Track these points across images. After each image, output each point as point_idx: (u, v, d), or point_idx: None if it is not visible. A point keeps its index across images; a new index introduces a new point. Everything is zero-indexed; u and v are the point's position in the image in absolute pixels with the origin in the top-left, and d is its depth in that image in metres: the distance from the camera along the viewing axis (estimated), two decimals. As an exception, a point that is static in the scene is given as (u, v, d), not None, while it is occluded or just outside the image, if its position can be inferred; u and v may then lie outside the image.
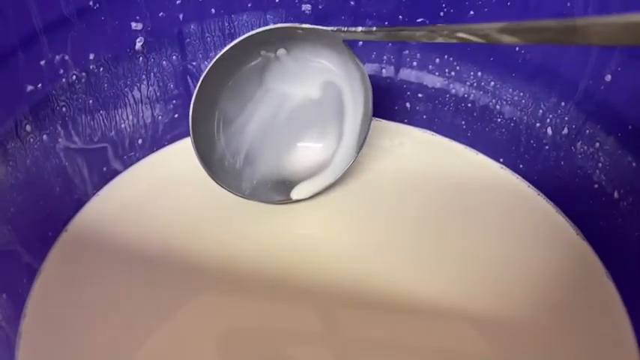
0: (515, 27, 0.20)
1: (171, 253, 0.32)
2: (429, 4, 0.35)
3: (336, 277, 0.31)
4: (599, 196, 0.33)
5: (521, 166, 0.37)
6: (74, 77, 0.31)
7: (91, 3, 0.30)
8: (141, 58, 0.34)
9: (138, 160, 0.37)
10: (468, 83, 0.37)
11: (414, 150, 0.39)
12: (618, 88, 0.31)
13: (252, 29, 0.37)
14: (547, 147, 0.35)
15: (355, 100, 0.34)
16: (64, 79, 0.31)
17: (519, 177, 0.37)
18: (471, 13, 0.34)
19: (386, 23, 0.37)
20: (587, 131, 0.33)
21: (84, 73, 0.32)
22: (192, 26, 0.35)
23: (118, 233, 0.33)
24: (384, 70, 0.39)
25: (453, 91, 0.38)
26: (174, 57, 0.36)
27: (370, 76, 0.39)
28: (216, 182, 0.33)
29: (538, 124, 0.35)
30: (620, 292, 0.31)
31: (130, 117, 0.35)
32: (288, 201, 0.35)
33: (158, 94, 0.36)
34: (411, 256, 0.33)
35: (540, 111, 0.35)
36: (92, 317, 0.29)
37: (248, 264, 0.32)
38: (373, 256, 0.33)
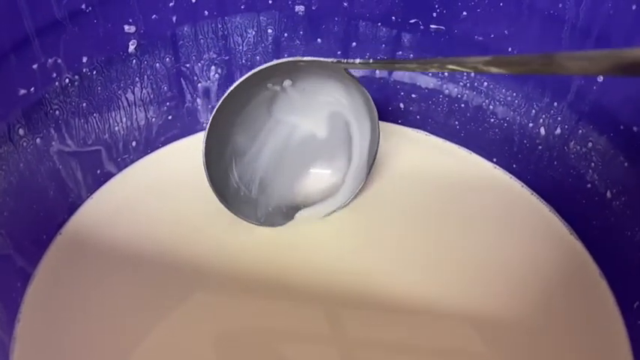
0: (501, 60, 0.22)
1: (166, 255, 0.32)
2: (421, 5, 0.35)
3: (334, 277, 0.31)
4: (592, 196, 0.33)
5: (514, 165, 0.37)
6: (67, 80, 0.31)
7: (83, 6, 0.30)
8: (134, 61, 0.34)
9: (132, 162, 0.37)
10: (461, 84, 0.37)
11: (408, 150, 0.39)
12: (611, 89, 0.31)
13: (246, 31, 0.37)
14: (540, 147, 0.35)
15: (361, 125, 0.34)
16: (57, 83, 0.31)
17: (513, 177, 0.37)
18: (464, 14, 0.34)
19: (379, 24, 0.37)
20: (580, 131, 0.33)
21: (77, 77, 0.32)
22: (185, 28, 0.35)
23: (112, 236, 0.33)
24: (377, 71, 0.39)
25: (447, 91, 0.38)
26: (167, 59, 0.36)
27: (364, 77, 0.39)
28: (233, 213, 0.33)
29: (531, 125, 0.36)
30: (613, 290, 0.31)
31: (124, 119, 0.35)
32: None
33: (152, 96, 0.36)
34: (406, 256, 0.33)
35: (533, 111, 0.35)
36: (87, 320, 0.29)
37: (245, 264, 0.32)
38: (369, 255, 0.33)
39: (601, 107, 0.32)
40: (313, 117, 0.35)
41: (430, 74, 0.38)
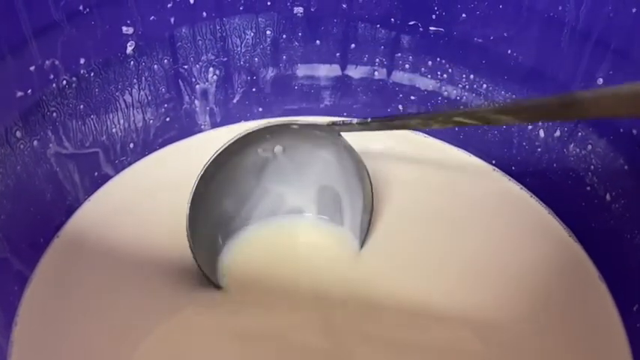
0: (512, 107, 0.20)
1: (164, 258, 0.32)
2: (421, 6, 0.35)
3: (334, 279, 0.31)
4: (591, 199, 0.33)
5: (513, 168, 0.37)
6: (65, 82, 0.31)
7: (81, 7, 0.30)
8: (132, 62, 0.34)
9: (130, 164, 0.37)
10: (460, 86, 0.37)
11: (407, 152, 0.39)
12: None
13: (245, 32, 0.37)
14: (539, 149, 0.35)
15: (353, 198, 0.33)
16: (54, 85, 0.31)
17: (512, 179, 0.37)
18: (463, 16, 0.34)
19: (378, 26, 0.37)
20: (580, 134, 0.33)
21: (74, 78, 0.32)
22: (183, 30, 0.35)
23: (110, 238, 0.33)
24: (376, 73, 0.39)
25: (446, 93, 0.38)
26: (165, 61, 0.35)
27: (363, 79, 0.39)
28: (217, 286, 0.31)
29: (530, 127, 0.36)
30: (613, 293, 0.31)
31: (122, 121, 0.35)
32: None
33: (149, 98, 0.36)
34: (404, 257, 0.33)
35: (532, 113, 0.35)
36: (85, 324, 0.29)
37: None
38: (368, 257, 0.33)
39: (600, 110, 0.32)
40: (302, 192, 0.34)
41: (429, 76, 0.38)
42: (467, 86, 0.37)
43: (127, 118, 0.35)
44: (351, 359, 0.29)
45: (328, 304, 0.30)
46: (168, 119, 0.37)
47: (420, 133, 0.40)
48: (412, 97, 0.39)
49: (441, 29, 0.36)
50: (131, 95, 0.35)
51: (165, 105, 0.37)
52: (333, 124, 0.29)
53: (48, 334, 0.29)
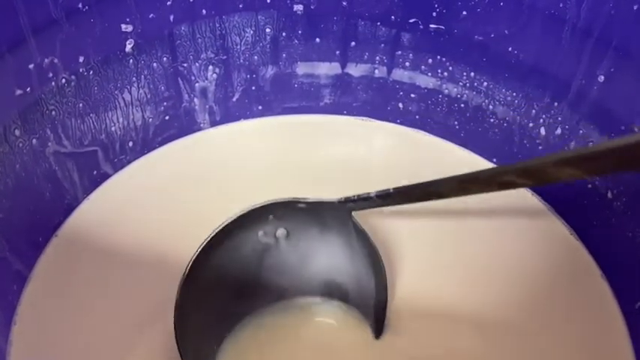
0: (579, 157, 0.15)
1: (164, 257, 0.32)
2: (421, 4, 0.35)
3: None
4: (592, 197, 0.33)
5: (514, 166, 0.37)
6: (64, 80, 0.31)
7: (80, 5, 0.30)
8: (131, 60, 0.34)
9: (129, 162, 0.37)
10: (460, 83, 0.37)
11: (408, 150, 0.39)
12: (611, 89, 0.31)
13: (244, 30, 0.37)
14: (540, 147, 0.35)
15: (363, 292, 0.29)
16: (53, 83, 0.30)
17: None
18: (464, 13, 0.34)
19: (378, 24, 0.37)
20: (581, 131, 0.33)
21: (73, 77, 0.31)
22: (182, 27, 0.35)
23: (109, 237, 0.33)
24: (376, 71, 0.39)
25: (446, 91, 0.38)
26: (164, 59, 0.35)
27: (363, 77, 0.39)
28: None
29: (531, 125, 0.35)
30: (615, 291, 0.31)
31: (121, 120, 0.35)
32: None
33: (149, 96, 0.36)
34: (405, 256, 0.33)
35: (533, 111, 0.35)
36: (84, 323, 0.29)
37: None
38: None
39: (601, 107, 0.32)
40: (307, 283, 0.30)
41: (429, 73, 0.38)
42: (467, 84, 0.37)
43: (126, 117, 0.35)
44: None
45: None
46: (167, 117, 0.37)
47: (420, 131, 0.40)
48: (412, 95, 0.39)
49: (442, 27, 0.36)
50: (130, 93, 0.35)
51: (165, 103, 0.37)
52: (347, 200, 0.26)
53: (47, 333, 0.29)
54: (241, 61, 0.38)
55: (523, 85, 0.35)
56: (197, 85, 0.37)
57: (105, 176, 0.36)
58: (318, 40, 0.38)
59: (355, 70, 0.39)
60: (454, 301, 0.31)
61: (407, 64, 0.38)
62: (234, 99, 0.39)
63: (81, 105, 0.32)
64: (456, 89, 0.38)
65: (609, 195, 0.32)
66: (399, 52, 0.38)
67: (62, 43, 0.30)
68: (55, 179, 0.32)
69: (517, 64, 0.34)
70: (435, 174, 0.37)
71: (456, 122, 0.39)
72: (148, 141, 0.37)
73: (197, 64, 0.37)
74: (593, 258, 0.33)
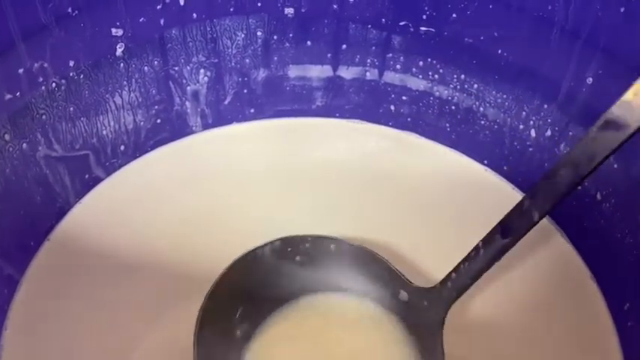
0: None
1: (156, 261, 0.32)
2: (411, 7, 0.35)
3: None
4: (582, 198, 0.33)
5: (505, 167, 0.37)
6: (54, 85, 0.31)
7: (69, 10, 0.30)
8: (122, 64, 0.34)
9: (120, 166, 0.37)
10: (451, 86, 0.37)
11: (399, 152, 0.39)
12: (600, 91, 0.31)
13: (235, 34, 0.37)
14: (531, 149, 0.35)
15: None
16: (43, 87, 0.30)
17: (503, 179, 0.37)
18: (454, 16, 0.34)
19: (369, 26, 0.37)
20: (570, 133, 0.33)
21: (64, 81, 0.31)
22: (173, 31, 0.35)
23: (101, 241, 0.33)
24: (367, 74, 0.39)
25: (437, 93, 0.38)
26: (155, 62, 0.35)
27: (354, 80, 0.39)
28: None
29: (522, 126, 0.36)
30: (604, 292, 0.31)
31: (112, 123, 0.35)
32: None
33: (140, 99, 0.36)
34: (398, 258, 0.33)
35: (524, 113, 0.35)
36: (75, 328, 0.29)
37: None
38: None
39: (591, 109, 0.32)
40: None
41: (420, 76, 0.38)
42: (458, 86, 0.37)
43: (118, 120, 0.35)
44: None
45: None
46: (159, 121, 0.37)
47: (412, 134, 0.40)
48: (404, 98, 0.39)
49: (432, 29, 0.36)
50: (121, 97, 0.35)
51: (156, 107, 0.37)
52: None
53: (38, 337, 0.29)
54: (233, 64, 0.38)
55: (513, 87, 0.35)
56: (188, 88, 0.38)
57: (97, 180, 0.36)
58: (309, 43, 0.38)
59: (347, 72, 0.39)
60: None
61: (398, 66, 0.38)
62: (226, 102, 0.39)
63: (72, 109, 0.33)
64: (446, 91, 0.38)
65: (598, 196, 0.32)
66: (390, 55, 0.38)
67: (52, 47, 0.30)
68: (47, 183, 0.32)
69: (507, 66, 0.34)
70: (427, 177, 0.38)
71: (447, 124, 0.39)
72: (139, 145, 0.37)
73: (188, 68, 0.37)
74: (583, 259, 0.33)
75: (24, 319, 0.29)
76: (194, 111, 0.39)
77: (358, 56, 0.38)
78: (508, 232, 0.25)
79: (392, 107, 0.40)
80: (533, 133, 0.35)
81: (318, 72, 0.39)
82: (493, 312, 0.30)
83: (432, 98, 0.38)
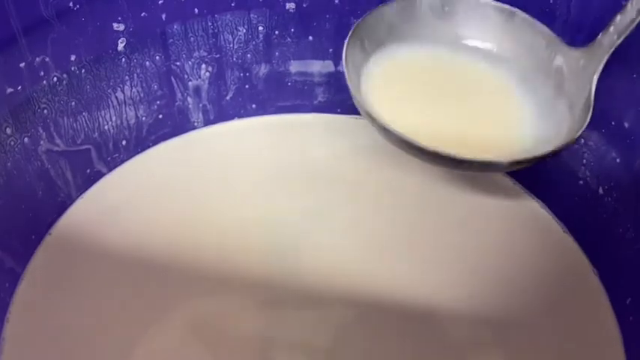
0: None
1: (158, 256, 0.32)
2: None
3: (329, 280, 0.31)
4: (584, 193, 0.33)
5: (507, 162, 0.37)
6: (55, 79, 0.31)
7: (71, 4, 0.30)
8: (123, 59, 0.34)
9: (122, 161, 0.37)
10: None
11: (399, 149, 0.39)
12: (602, 85, 0.31)
13: (237, 29, 0.37)
14: (532, 144, 0.35)
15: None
16: (44, 81, 0.31)
17: (504, 174, 0.37)
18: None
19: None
20: (572, 127, 0.33)
21: (65, 75, 0.31)
22: (175, 26, 0.35)
23: (102, 236, 0.33)
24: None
25: (439, 88, 0.38)
26: (157, 57, 0.35)
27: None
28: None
29: (523, 121, 0.35)
30: (606, 286, 0.31)
31: (114, 118, 0.35)
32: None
33: (142, 94, 0.36)
34: (400, 254, 0.33)
35: (525, 108, 0.35)
36: (77, 321, 0.29)
37: (239, 267, 0.32)
38: (365, 256, 0.33)
39: (593, 105, 0.31)
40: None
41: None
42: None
43: (119, 115, 0.35)
44: None
45: (328, 307, 0.30)
46: (160, 116, 0.37)
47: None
48: (405, 93, 0.39)
49: (433, 24, 0.36)
50: (123, 92, 0.35)
51: (158, 102, 0.37)
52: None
53: (40, 331, 0.29)
54: (234, 59, 0.38)
55: (515, 81, 0.35)
56: (190, 83, 0.38)
57: (99, 175, 0.36)
58: (310, 38, 0.38)
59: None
60: (444, 301, 0.31)
61: (399, 61, 0.38)
62: (227, 98, 0.39)
63: (73, 103, 0.33)
64: (448, 86, 0.38)
65: (600, 191, 0.32)
66: (391, 50, 0.38)
67: (53, 42, 0.30)
68: (48, 178, 0.33)
69: (508, 60, 0.34)
70: (427, 169, 0.37)
71: (448, 119, 0.39)
72: (141, 140, 0.37)
73: (190, 63, 0.37)
74: (585, 253, 0.33)
75: (25, 312, 0.29)
76: (196, 106, 0.39)
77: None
78: None
79: (394, 103, 0.40)
80: (535, 127, 0.35)
81: (319, 67, 0.39)
82: (493, 306, 0.30)
83: (433, 93, 0.38)
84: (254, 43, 0.38)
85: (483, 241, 0.33)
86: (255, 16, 0.37)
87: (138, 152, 0.37)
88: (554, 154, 0.27)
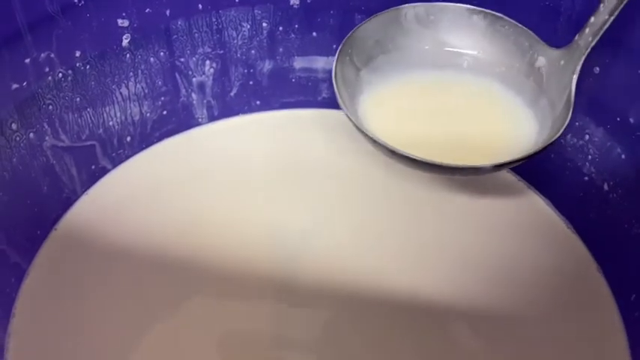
0: None
1: (163, 252, 0.32)
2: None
3: (331, 277, 0.31)
4: (589, 189, 0.33)
5: (511, 158, 0.37)
6: (60, 75, 0.31)
7: (76, 0, 0.30)
8: (128, 55, 0.34)
9: (127, 157, 0.37)
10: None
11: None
12: (607, 81, 0.31)
13: (241, 25, 0.37)
14: (537, 140, 0.35)
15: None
16: (50, 77, 0.31)
17: (509, 170, 0.37)
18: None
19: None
20: (577, 123, 0.33)
21: (70, 71, 0.32)
22: (179, 22, 0.35)
23: (107, 232, 0.33)
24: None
25: (443, 84, 0.38)
26: (161, 53, 0.35)
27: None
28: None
29: (528, 117, 0.35)
30: (610, 283, 0.31)
31: (118, 114, 0.35)
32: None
33: (146, 90, 0.36)
34: (401, 252, 0.33)
35: (530, 104, 0.35)
36: (82, 316, 0.29)
37: (243, 264, 0.32)
38: (366, 252, 0.33)
39: (597, 99, 0.31)
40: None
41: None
42: (464, 77, 0.37)
43: (124, 111, 0.35)
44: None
45: (328, 305, 0.30)
46: (165, 112, 0.37)
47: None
48: (410, 89, 0.39)
49: (438, 20, 0.35)
50: (127, 88, 0.35)
51: (162, 98, 0.37)
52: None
53: (46, 326, 0.29)
54: (238, 55, 0.38)
55: (519, 77, 0.35)
56: (194, 79, 0.38)
57: (103, 171, 0.36)
58: (314, 34, 0.38)
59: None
60: (447, 296, 0.31)
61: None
62: (232, 94, 0.39)
63: (78, 99, 0.33)
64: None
65: (605, 187, 0.32)
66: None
67: (58, 37, 0.30)
68: (53, 173, 0.33)
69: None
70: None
71: (453, 115, 0.39)
72: (146, 136, 0.37)
73: (194, 59, 0.37)
74: (589, 250, 0.33)
75: (31, 307, 0.30)
76: (200, 102, 0.39)
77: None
78: None
79: (398, 99, 0.40)
80: (539, 123, 0.35)
81: (323, 63, 0.39)
82: (497, 303, 0.30)
83: (438, 89, 0.38)
84: (258, 39, 0.38)
85: (487, 237, 0.33)
86: (259, 12, 0.37)
87: (142, 148, 0.38)
88: (539, 153, 0.28)
